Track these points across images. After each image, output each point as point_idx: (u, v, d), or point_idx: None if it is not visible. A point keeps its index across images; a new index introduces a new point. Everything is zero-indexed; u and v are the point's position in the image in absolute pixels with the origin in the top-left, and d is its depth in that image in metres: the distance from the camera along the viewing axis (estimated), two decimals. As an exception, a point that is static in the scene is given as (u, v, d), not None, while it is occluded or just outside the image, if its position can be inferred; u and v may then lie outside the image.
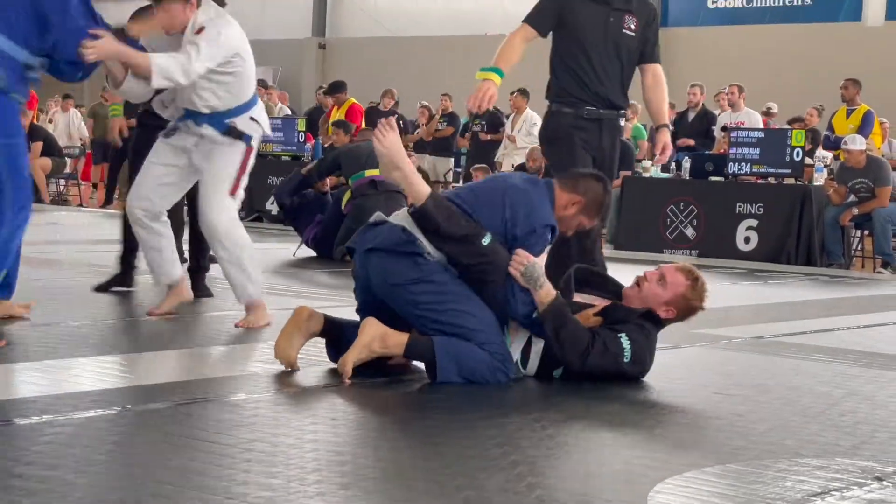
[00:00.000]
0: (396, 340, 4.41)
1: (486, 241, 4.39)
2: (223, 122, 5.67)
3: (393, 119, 4.67)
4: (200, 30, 5.47)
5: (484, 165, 14.74)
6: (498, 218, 4.48)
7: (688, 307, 4.64)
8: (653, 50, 5.95)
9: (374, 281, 4.50)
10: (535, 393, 4.37)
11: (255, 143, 5.78)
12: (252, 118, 5.74)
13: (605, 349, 4.40)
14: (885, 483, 3.25)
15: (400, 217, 4.54)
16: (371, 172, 9.33)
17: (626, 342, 4.43)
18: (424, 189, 4.46)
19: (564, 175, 4.85)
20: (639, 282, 4.65)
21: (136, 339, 5.41)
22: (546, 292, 4.39)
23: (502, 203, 4.50)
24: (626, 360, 4.45)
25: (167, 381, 4.27)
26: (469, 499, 2.93)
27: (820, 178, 11.79)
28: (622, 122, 5.98)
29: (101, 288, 6.72)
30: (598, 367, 4.41)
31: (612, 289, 4.78)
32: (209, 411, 3.79)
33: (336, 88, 15.34)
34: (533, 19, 5.85)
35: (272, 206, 14.27)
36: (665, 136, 5.92)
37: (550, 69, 5.87)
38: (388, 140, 4.49)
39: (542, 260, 4.49)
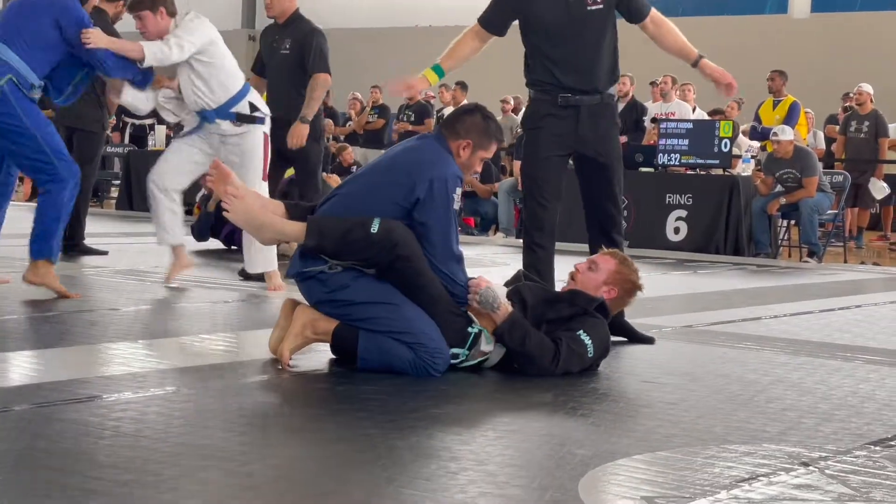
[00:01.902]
0: (326, 327, 4.43)
1: (374, 227, 4.34)
2: (230, 113, 6.55)
3: (230, 190, 4.44)
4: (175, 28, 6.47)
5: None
6: (399, 192, 4.44)
7: (626, 281, 4.78)
8: (638, 6, 5.49)
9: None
10: (470, 384, 4.38)
11: (266, 128, 6.60)
12: (251, 103, 6.60)
13: (572, 351, 4.45)
14: (811, 468, 3.30)
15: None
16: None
17: (586, 338, 4.49)
18: (296, 228, 4.39)
19: (444, 124, 4.75)
20: (572, 275, 4.74)
21: (65, 332, 5.35)
22: (504, 311, 4.43)
23: (397, 172, 4.49)
24: (590, 355, 4.51)
25: (95, 375, 4.22)
26: (401, 490, 2.93)
27: (747, 169, 11.93)
28: (613, 102, 5.59)
29: None
30: (568, 369, 4.45)
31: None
32: (138, 405, 3.75)
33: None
34: (484, 19, 5.55)
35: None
36: (710, 66, 5.46)
37: (524, 58, 5.59)
38: (236, 208, 4.41)
39: (493, 281, 4.52)
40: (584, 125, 5.41)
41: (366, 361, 4.40)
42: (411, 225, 4.41)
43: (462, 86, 15.83)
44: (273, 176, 7.56)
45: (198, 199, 10.29)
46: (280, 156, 7.57)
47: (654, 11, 5.50)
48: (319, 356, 4.65)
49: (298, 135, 7.54)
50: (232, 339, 5.18)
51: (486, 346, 4.47)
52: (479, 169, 4.79)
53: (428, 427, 3.72)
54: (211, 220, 9.57)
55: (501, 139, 4.84)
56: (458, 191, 4.52)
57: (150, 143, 15.55)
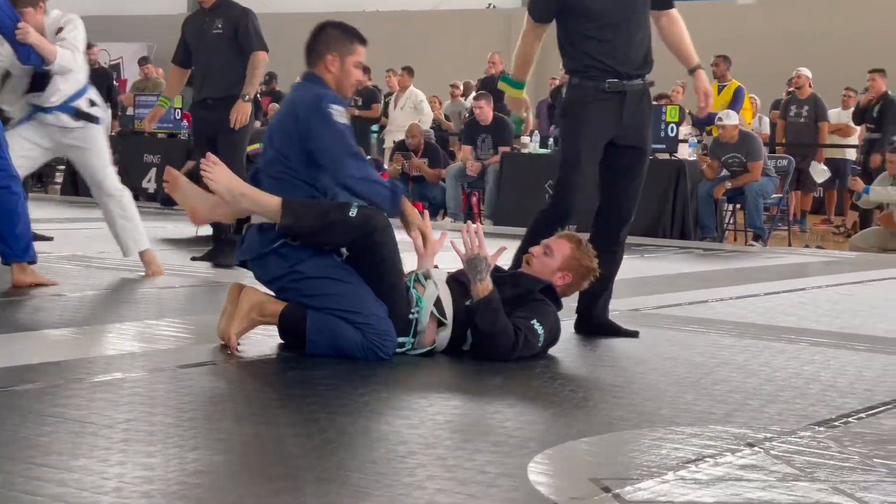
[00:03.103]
0: (273, 309, 4.42)
1: (352, 212, 4.34)
2: (71, 107, 6.57)
3: (210, 157, 4.46)
4: (60, 30, 6.54)
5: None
6: (293, 144, 4.46)
7: (580, 267, 4.75)
8: None
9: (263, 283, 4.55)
10: (419, 369, 4.38)
11: (102, 126, 6.69)
12: (91, 101, 6.66)
13: (527, 340, 4.45)
14: (756, 449, 3.33)
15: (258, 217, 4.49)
16: (251, 147, 9.24)
17: (539, 328, 4.48)
18: (274, 202, 4.36)
19: (306, 58, 4.72)
20: (528, 260, 4.72)
21: (8, 319, 5.28)
22: (485, 286, 4.41)
23: (283, 130, 4.51)
24: (541, 343, 4.51)
25: (39, 362, 4.18)
26: (350, 474, 2.92)
27: (693, 154, 12.01)
28: (649, 90, 5.33)
29: None
30: (521, 355, 4.45)
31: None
32: (83, 391, 3.72)
33: None
34: (538, 14, 5.22)
35: (149, 185, 14.08)
36: (703, 81, 5.28)
37: (560, 47, 5.24)
38: (218, 176, 4.39)
39: (493, 261, 4.49)
40: (626, 112, 5.15)
41: (314, 344, 4.39)
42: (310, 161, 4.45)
43: (409, 71, 15.80)
44: (201, 156, 7.48)
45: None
46: (208, 135, 7.51)
47: (673, 10, 5.34)
48: (269, 341, 4.63)
49: (243, 111, 7.42)
50: (180, 324, 5.14)
51: (437, 331, 4.47)
52: (360, 77, 4.71)
53: (377, 412, 3.72)
54: None
55: (363, 38, 4.70)
56: (336, 107, 4.47)
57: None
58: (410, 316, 4.45)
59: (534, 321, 4.48)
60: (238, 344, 4.43)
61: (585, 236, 5.00)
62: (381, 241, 4.37)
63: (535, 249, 4.77)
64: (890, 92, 13.37)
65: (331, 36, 4.66)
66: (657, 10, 5.26)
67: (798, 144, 13.60)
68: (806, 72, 14.00)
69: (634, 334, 5.20)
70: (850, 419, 3.76)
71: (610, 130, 5.14)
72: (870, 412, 3.87)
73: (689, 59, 5.35)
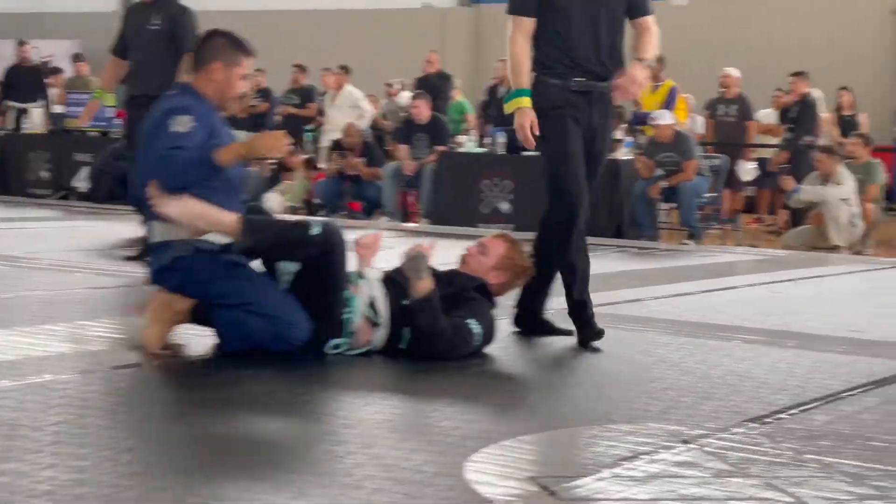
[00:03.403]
0: (183, 306, 4.38)
1: (314, 230, 4.32)
2: None
3: (151, 190, 4.33)
4: None
5: (294, 148, 14.64)
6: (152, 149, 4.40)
7: (515, 266, 4.77)
8: (643, 2, 5.16)
9: None
10: (357, 369, 4.36)
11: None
12: None
13: (465, 340, 4.45)
14: (691, 446, 3.35)
15: (159, 232, 4.44)
16: None
17: (475, 327, 4.48)
18: (231, 220, 4.31)
19: (192, 64, 4.67)
20: (463, 259, 4.73)
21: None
22: (425, 285, 4.39)
23: (147, 134, 4.46)
24: (477, 343, 4.50)
25: (-30, 364, 4.11)
26: (285, 476, 2.91)
27: (629, 154, 12.09)
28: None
29: None
30: (458, 355, 4.45)
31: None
32: (13, 394, 3.66)
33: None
34: (519, 8, 5.08)
35: (80, 183, 13.93)
36: (635, 71, 4.94)
37: (535, 38, 5.09)
38: (167, 206, 4.27)
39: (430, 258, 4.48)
40: (595, 112, 5.06)
41: (226, 339, 4.38)
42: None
43: (346, 69, 15.74)
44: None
45: None
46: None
47: (649, 17, 5.17)
48: (203, 341, 4.59)
49: None
50: (111, 325, 5.08)
51: (372, 331, 4.46)
52: (242, 88, 4.58)
53: (314, 412, 3.70)
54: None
55: (249, 51, 4.61)
56: (179, 118, 4.36)
57: (24, 125, 15.19)
58: (343, 316, 4.43)
59: (470, 320, 4.48)
60: (164, 348, 4.37)
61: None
62: (338, 259, 4.38)
63: (472, 248, 4.78)
64: (811, 94, 13.56)
65: (218, 45, 4.58)
66: (636, 17, 5.13)
67: (726, 144, 13.71)
68: (733, 72, 14.13)
69: (570, 333, 5.19)
70: (782, 415, 3.80)
71: (583, 128, 5.04)
72: (801, 408, 3.92)
73: (639, 54, 5.11)
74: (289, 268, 4.45)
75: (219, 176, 4.33)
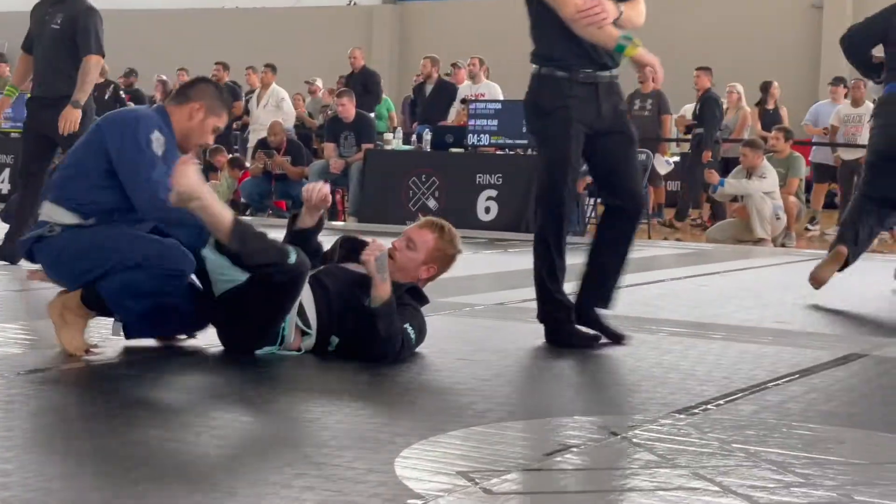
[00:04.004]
0: (75, 301, 4.33)
1: (291, 258, 4.24)
2: None
3: (191, 158, 4.26)
4: None
5: (220, 146, 14.53)
6: (102, 161, 4.30)
7: (445, 257, 4.71)
8: None
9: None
10: (285, 367, 4.35)
11: None
12: None
13: (405, 345, 4.44)
14: (620, 437, 3.39)
15: (45, 213, 4.38)
16: None
17: (411, 331, 4.48)
18: (227, 221, 4.19)
19: (172, 96, 4.61)
20: (391, 254, 4.67)
21: None
22: (386, 288, 4.36)
23: (101, 143, 4.33)
24: (413, 345, 4.51)
25: None
26: (217, 474, 2.89)
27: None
28: (617, 81, 5.04)
29: None
30: (395, 359, 4.43)
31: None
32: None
33: None
34: None
35: (1, 185, 13.73)
36: (645, 55, 4.80)
37: (537, 30, 4.97)
38: (185, 180, 4.12)
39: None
40: (603, 103, 4.91)
41: (118, 305, 4.28)
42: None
43: (271, 68, 15.66)
44: (38, 156, 7.22)
45: None
46: (44, 136, 7.19)
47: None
48: (116, 344, 4.55)
49: (71, 119, 7.02)
50: (26, 328, 5.02)
51: (301, 339, 4.44)
52: (210, 140, 4.57)
53: (241, 410, 3.68)
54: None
55: (230, 110, 4.61)
56: (156, 134, 4.29)
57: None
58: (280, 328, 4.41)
59: (406, 325, 4.47)
60: (87, 350, 4.32)
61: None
62: (298, 290, 4.33)
63: (398, 243, 4.72)
64: (712, 89, 13.74)
65: (208, 91, 4.53)
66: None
67: (643, 139, 13.79)
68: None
69: (620, 338, 4.97)
70: (708, 406, 3.85)
71: (588, 122, 4.90)
72: (727, 399, 3.97)
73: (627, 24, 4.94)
74: (236, 276, 4.36)
75: None
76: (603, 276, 5.10)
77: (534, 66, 5.00)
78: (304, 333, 4.44)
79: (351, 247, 4.77)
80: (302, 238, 4.57)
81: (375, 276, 4.35)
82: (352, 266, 4.63)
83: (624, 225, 5.08)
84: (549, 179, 4.95)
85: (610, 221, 5.11)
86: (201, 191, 4.15)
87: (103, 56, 7.27)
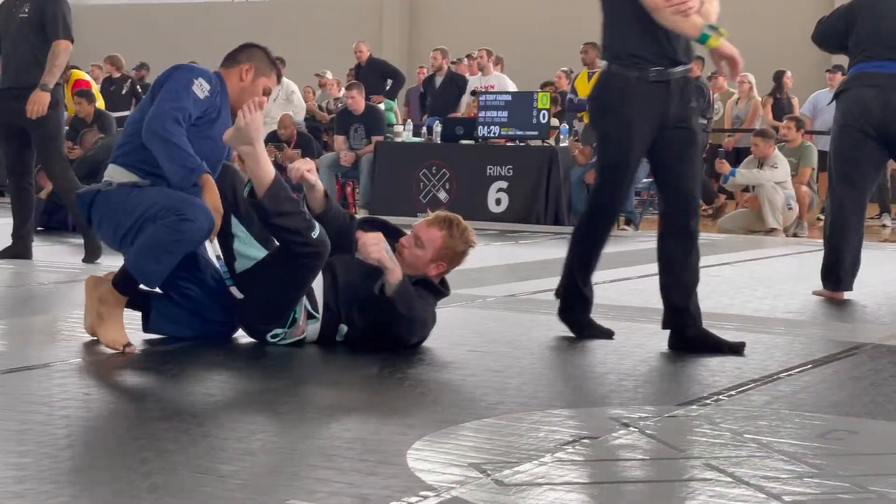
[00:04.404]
0: (108, 289, 4.37)
1: (315, 233, 4.29)
2: None
3: (264, 100, 4.47)
4: None
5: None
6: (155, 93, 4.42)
7: (454, 254, 4.66)
8: None
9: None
10: (294, 360, 4.36)
11: None
12: None
13: (424, 325, 4.47)
14: (631, 429, 3.39)
15: (108, 173, 4.47)
16: None
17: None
18: (268, 176, 4.30)
19: (224, 61, 4.69)
20: (399, 251, 4.64)
21: None
22: (397, 272, 4.36)
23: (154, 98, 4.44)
24: (427, 333, 4.53)
25: None
26: (221, 465, 2.90)
27: (565, 140, 12.14)
28: (690, 77, 4.85)
29: None
30: (412, 342, 4.47)
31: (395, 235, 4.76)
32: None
33: None
34: None
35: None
36: (726, 46, 4.60)
37: (608, 25, 4.80)
38: (252, 118, 4.31)
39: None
40: (673, 102, 4.71)
41: (140, 271, 4.32)
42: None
43: (281, 61, 15.63)
44: (19, 150, 7.17)
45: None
46: (20, 129, 7.11)
47: None
48: (135, 335, 4.56)
49: (40, 102, 6.98)
50: (47, 320, 5.04)
51: (307, 323, 4.45)
52: (261, 95, 4.60)
53: (252, 403, 3.69)
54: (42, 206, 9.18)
55: (280, 73, 4.78)
56: (202, 81, 4.42)
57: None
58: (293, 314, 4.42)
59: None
60: (127, 345, 4.34)
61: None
62: (316, 266, 4.38)
63: (406, 240, 4.67)
64: (702, 77, 13.65)
65: (258, 53, 4.70)
66: None
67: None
68: None
69: (738, 348, 4.67)
70: (720, 397, 3.85)
71: (655, 123, 4.71)
72: (739, 389, 3.97)
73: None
74: (253, 253, 4.42)
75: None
76: (684, 295, 4.81)
77: (603, 62, 4.85)
78: (310, 317, 4.45)
79: (371, 229, 4.74)
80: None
81: (386, 264, 4.36)
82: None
83: (681, 240, 4.82)
84: (606, 181, 4.85)
85: (666, 235, 4.85)
86: (258, 139, 4.33)
87: (72, 41, 7.17)
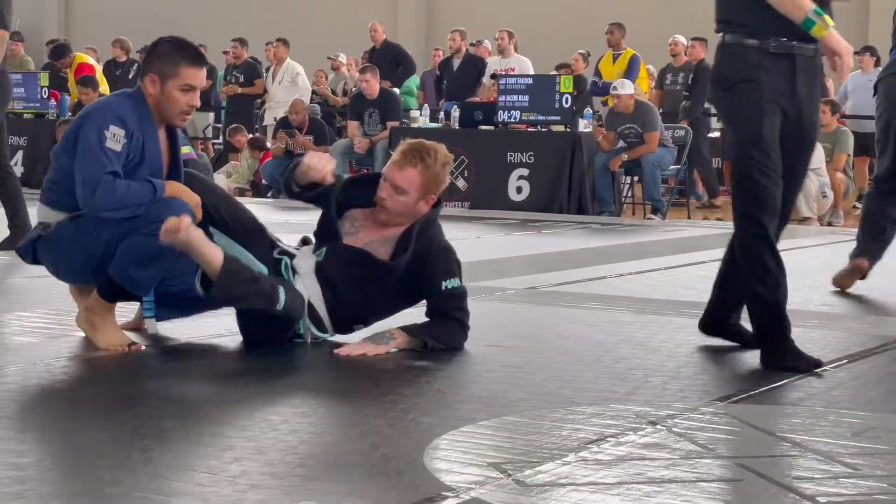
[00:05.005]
0: (94, 300, 4.36)
1: (280, 304, 4.23)
2: None
3: (182, 221, 4.11)
4: None
5: (239, 126, 14.60)
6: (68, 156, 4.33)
7: (438, 180, 4.51)
8: None
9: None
10: (308, 354, 4.36)
11: None
12: None
13: (461, 309, 4.47)
14: (658, 427, 3.38)
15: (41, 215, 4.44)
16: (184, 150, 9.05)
17: (453, 281, 4.43)
18: (215, 261, 4.14)
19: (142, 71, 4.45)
20: (380, 204, 4.48)
21: None
22: (402, 341, 4.35)
23: (76, 141, 4.31)
24: (464, 287, 4.50)
25: None
26: (242, 472, 2.91)
27: (588, 125, 12.10)
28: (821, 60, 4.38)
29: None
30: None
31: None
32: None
33: (59, 54, 14.78)
34: None
35: (15, 167, 13.81)
36: (834, 38, 4.17)
37: None
38: (170, 237, 4.09)
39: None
40: (799, 81, 4.29)
41: (126, 279, 4.28)
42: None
43: (284, 42, 15.63)
44: None
45: None
46: None
47: None
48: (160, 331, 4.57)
49: None
50: (48, 316, 5.05)
51: (317, 338, 4.47)
52: (185, 102, 4.35)
53: (264, 400, 3.69)
54: None
55: (195, 58, 4.38)
56: (115, 131, 4.23)
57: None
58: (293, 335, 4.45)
59: (444, 283, 4.40)
60: (130, 343, 4.35)
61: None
62: (291, 321, 4.36)
63: (384, 192, 4.45)
64: (705, 60, 13.56)
65: (158, 54, 4.40)
66: None
67: (674, 113, 13.65)
68: (682, 38, 14.05)
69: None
70: (752, 393, 3.84)
71: (781, 103, 4.28)
72: (772, 386, 3.96)
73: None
74: (234, 250, 4.40)
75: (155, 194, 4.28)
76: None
77: (719, 34, 4.42)
78: (319, 329, 4.45)
79: (358, 185, 4.67)
80: (324, 194, 4.55)
81: (381, 353, 4.30)
82: (361, 236, 4.51)
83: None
84: (743, 164, 4.33)
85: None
86: (197, 238, 4.13)
87: (8, 31, 7.04)
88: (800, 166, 4.44)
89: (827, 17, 4.16)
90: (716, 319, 4.66)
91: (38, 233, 4.41)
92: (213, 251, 4.17)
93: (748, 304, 4.43)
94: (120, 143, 4.24)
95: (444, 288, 4.43)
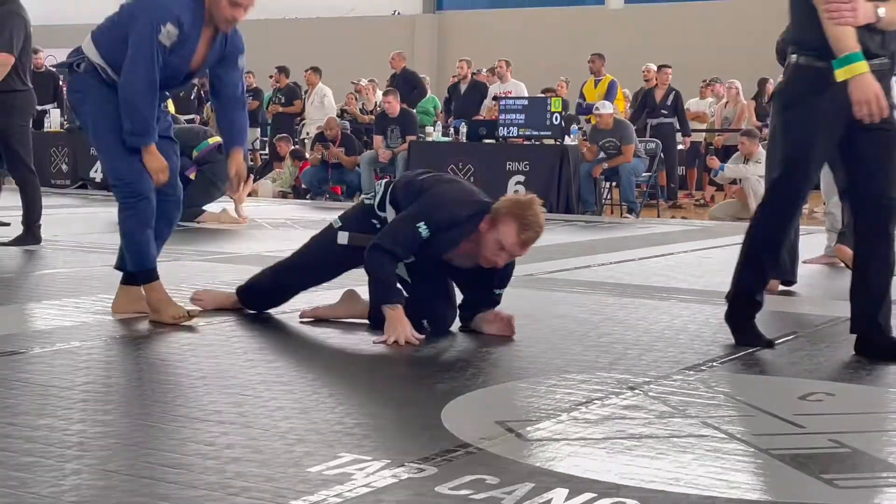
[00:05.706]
0: (135, 291, 4.44)
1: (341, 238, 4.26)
2: None
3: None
4: None
5: (286, 135, 14.67)
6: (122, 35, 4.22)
7: (521, 214, 4.49)
8: None
9: None
10: (326, 334, 4.36)
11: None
12: None
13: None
14: (637, 391, 3.38)
15: (85, 43, 4.34)
16: (214, 140, 9.00)
17: (421, 227, 4.27)
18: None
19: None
20: (489, 265, 4.34)
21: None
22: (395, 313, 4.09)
23: (132, 13, 4.21)
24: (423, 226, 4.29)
25: (6, 333, 4.08)
26: (267, 442, 2.91)
27: (574, 139, 12.12)
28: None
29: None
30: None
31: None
32: (46, 358, 3.64)
33: None
34: None
35: (96, 174, 13.84)
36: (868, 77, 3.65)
37: (798, 14, 3.91)
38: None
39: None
40: None
41: (134, 262, 4.38)
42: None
43: (316, 70, 15.73)
44: None
45: None
46: None
47: None
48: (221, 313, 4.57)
49: None
50: (77, 303, 5.04)
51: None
52: (232, 13, 4.19)
53: (302, 375, 3.69)
54: None
55: None
56: (169, 29, 4.12)
57: (45, 125, 15.02)
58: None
59: (419, 224, 4.25)
60: (181, 316, 4.33)
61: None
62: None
63: (500, 260, 4.33)
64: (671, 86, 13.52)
65: None
66: None
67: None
68: (653, 66, 13.98)
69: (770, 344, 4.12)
70: (714, 364, 3.83)
71: (845, 120, 3.77)
72: (731, 357, 3.95)
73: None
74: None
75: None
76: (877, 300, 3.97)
77: (791, 55, 3.95)
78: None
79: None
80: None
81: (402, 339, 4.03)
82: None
83: (877, 231, 3.89)
84: (782, 178, 3.96)
85: (860, 243, 3.98)
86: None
87: (13, 55, 6.78)
88: (882, 161, 3.85)
89: (860, 65, 3.63)
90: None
91: (75, 61, 4.30)
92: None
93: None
94: (170, 40, 4.15)
95: (410, 224, 4.23)
